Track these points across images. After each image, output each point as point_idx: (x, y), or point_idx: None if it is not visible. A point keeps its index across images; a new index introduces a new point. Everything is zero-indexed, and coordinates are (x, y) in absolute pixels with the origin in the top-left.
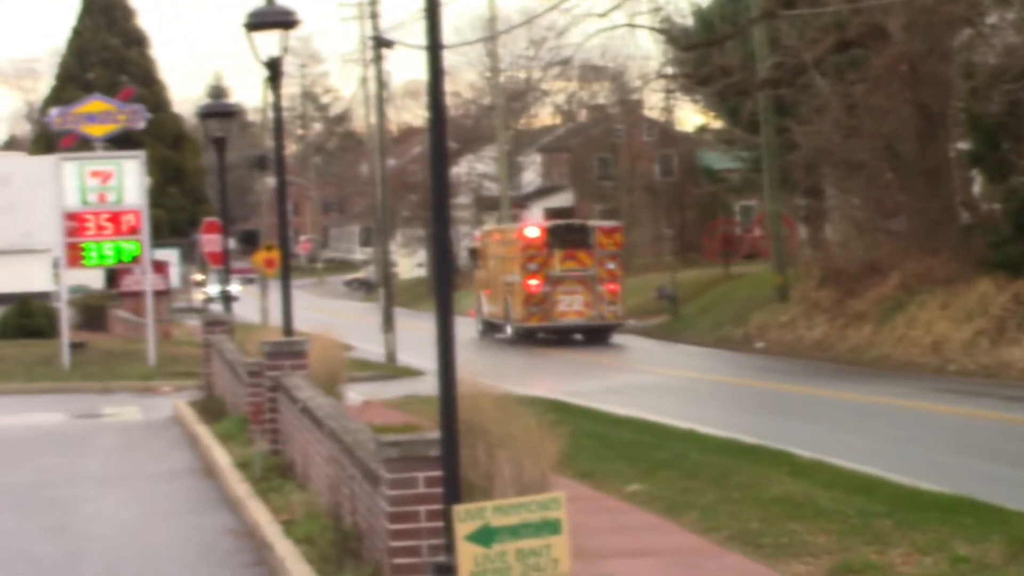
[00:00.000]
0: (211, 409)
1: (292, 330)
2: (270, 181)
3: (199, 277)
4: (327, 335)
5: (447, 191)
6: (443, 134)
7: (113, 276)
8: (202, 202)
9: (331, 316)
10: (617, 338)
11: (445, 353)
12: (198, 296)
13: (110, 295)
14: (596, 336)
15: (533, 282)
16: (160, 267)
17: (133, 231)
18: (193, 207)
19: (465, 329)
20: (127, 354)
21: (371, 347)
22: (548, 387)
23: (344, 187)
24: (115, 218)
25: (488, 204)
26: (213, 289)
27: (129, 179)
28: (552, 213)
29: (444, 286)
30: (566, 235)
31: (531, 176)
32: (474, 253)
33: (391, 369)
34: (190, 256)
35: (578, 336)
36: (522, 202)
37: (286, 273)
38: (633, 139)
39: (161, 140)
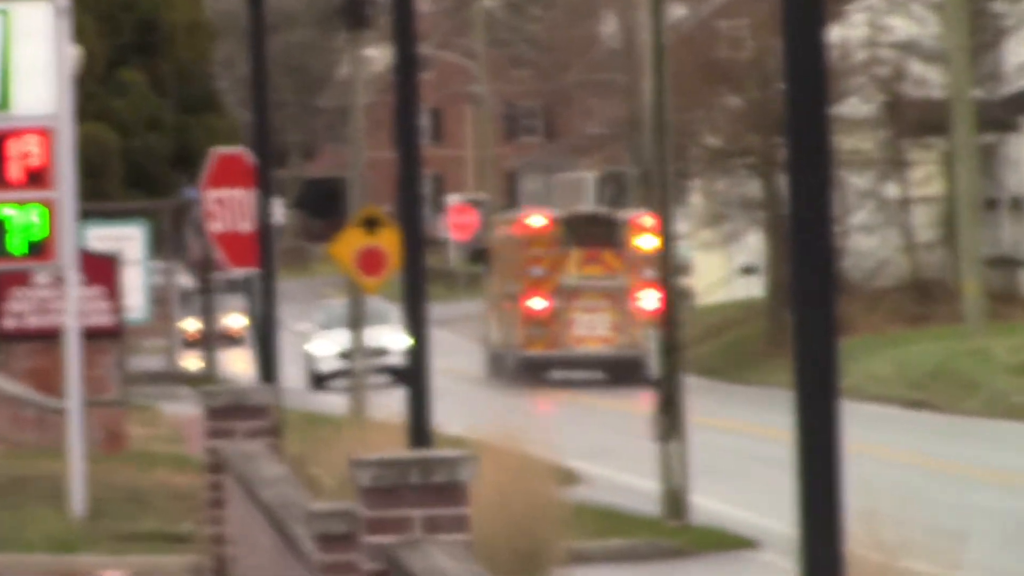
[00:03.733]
0: None
1: (430, 430)
2: (376, 58)
3: (239, 321)
4: (515, 443)
5: (824, 82)
6: None
7: None
8: (205, 108)
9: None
10: None
11: (821, 498)
12: (316, 352)
13: None
14: (623, 374)
15: (536, 298)
16: (101, 269)
17: (36, 179)
18: (186, 121)
19: (859, 427)
20: (19, 484)
21: (624, 474)
22: None
23: (555, 77)
24: None
25: (921, 116)
26: (381, 337)
27: (21, 45)
28: None
29: (822, 325)
30: (586, 228)
31: None
32: (484, 255)
33: (675, 533)
34: (173, 241)
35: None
36: (1002, 113)
37: (415, 288)
38: None
39: None
